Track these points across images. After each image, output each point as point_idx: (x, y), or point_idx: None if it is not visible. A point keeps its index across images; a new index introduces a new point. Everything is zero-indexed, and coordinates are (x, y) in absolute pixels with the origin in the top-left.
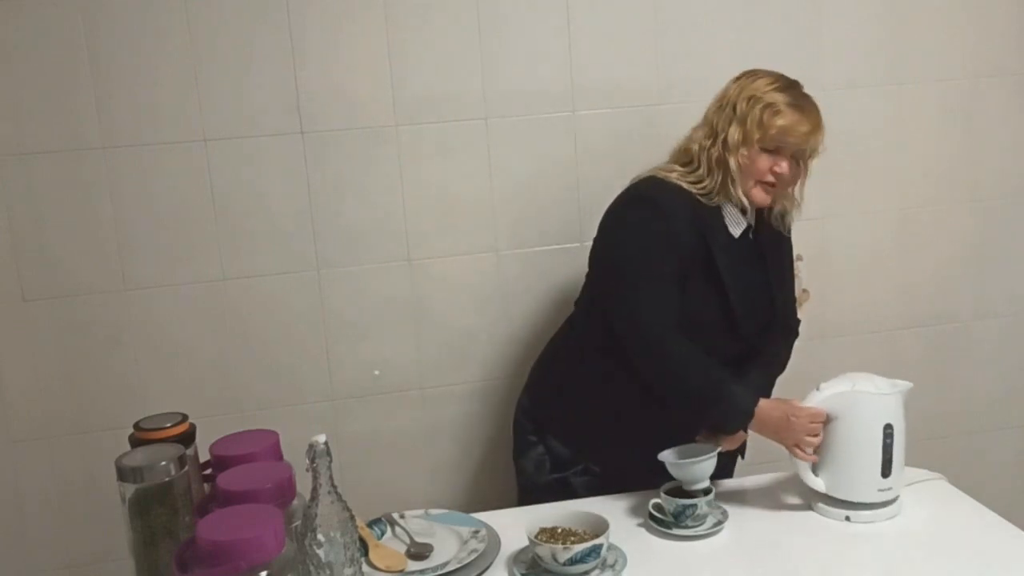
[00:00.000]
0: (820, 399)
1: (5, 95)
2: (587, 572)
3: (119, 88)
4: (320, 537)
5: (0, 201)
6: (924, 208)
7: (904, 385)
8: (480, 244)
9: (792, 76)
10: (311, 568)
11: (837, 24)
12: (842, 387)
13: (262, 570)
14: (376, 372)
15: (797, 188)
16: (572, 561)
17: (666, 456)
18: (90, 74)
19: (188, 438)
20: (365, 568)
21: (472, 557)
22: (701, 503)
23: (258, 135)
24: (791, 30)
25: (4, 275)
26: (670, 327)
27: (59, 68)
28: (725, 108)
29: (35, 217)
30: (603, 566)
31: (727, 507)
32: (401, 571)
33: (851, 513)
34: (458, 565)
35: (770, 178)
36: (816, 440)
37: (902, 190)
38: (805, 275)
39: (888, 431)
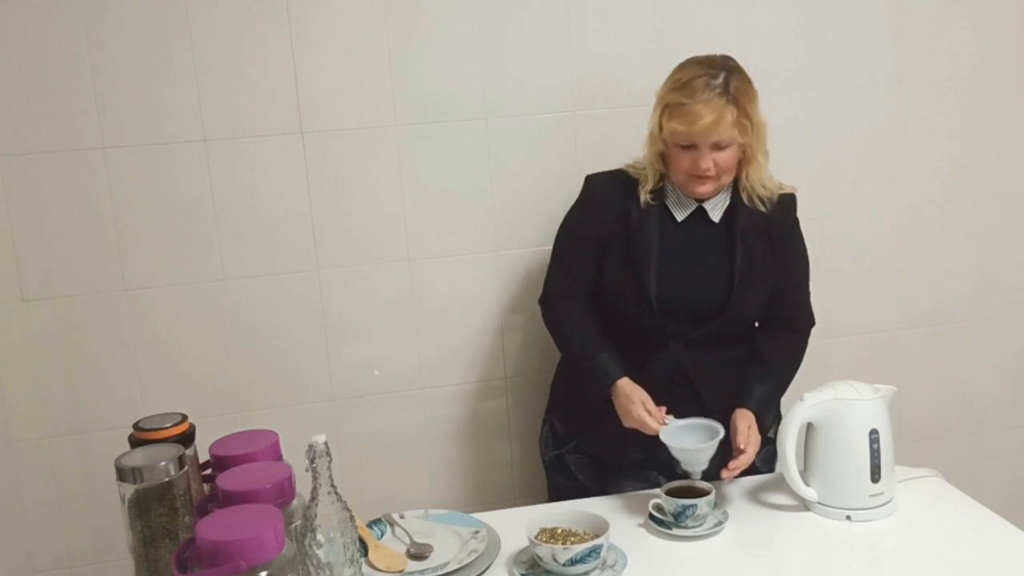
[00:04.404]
0: (804, 408)
1: (5, 95)
2: (587, 572)
3: (119, 88)
4: (320, 537)
5: (0, 201)
6: (925, 208)
7: (887, 390)
8: (480, 244)
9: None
10: (311, 568)
11: (838, 24)
12: (824, 396)
13: (262, 570)
14: (376, 372)
15: (754, 169)
16: (572, 561)
17: (667, 437)
18: (90, 74)
19: (188, 438)
20: (365, 568)
21: (472, 557)
22: (701, 503)
23: (258, 135)
24: (792, 29)
25: (4, 275)
26: (561, 296)
27: (59, 68)
28: (655, 107)
29: (35, 217)
30: (603, 566)
31: (727, 507)
32: (401, 571)
33: (851, 512)
34: (458, 565)
35: (698, 172)
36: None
37: (902, 190)
38: None
39: (874, 436)
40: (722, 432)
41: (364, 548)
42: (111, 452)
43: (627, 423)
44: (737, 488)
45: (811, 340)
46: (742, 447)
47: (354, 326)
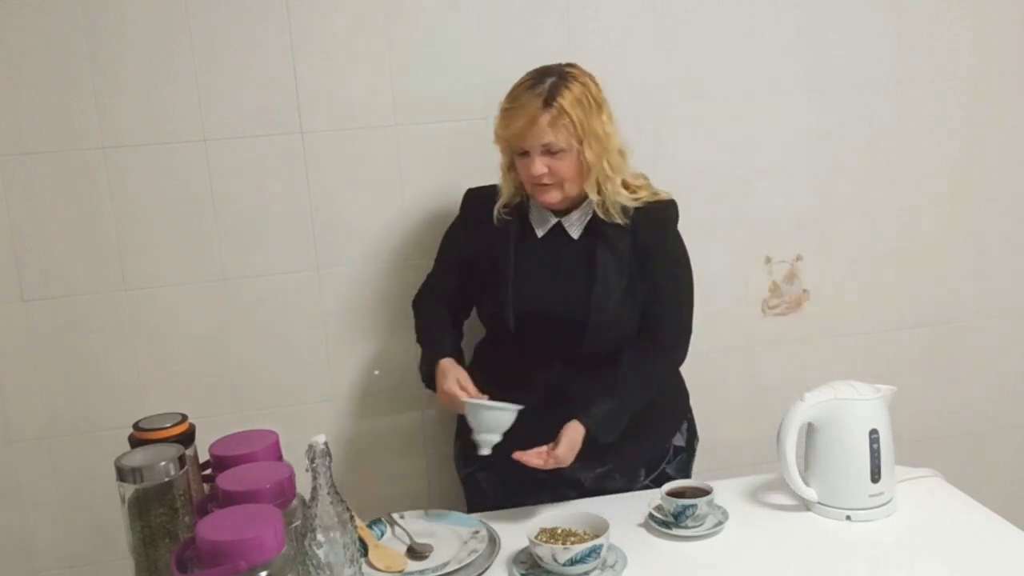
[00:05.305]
0: (804, 408)
1: (5, 95)
2: (587, 572)
3: (119, 88)
4: (320, 537)
5: (0, 201)
6: (925, 208)
7: (888, 389)
8: None
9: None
10: (311, 568)
11: (839, 24)
12: (825, 396)
13: (262, 570)
14: (376, 372)
15: (604, 181)
16: (572, 561)
17: (469, 407)
18: (90, 74)
19: (188, 438)
20: (365, 568)
21: (472, 557)
22: (701, 503)
23: (258, 135)
24: (793, 29)
25: (4, 275)
26: (423, 296)
27: (59, 68)
28: None
29: (35, 217)
30: (603, 566)
31: (727, 507)
32: (401, 571)
33: (851, 512)
34: (458, 565)
35: (533, 179)
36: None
37: (902, 190)
38: (805, 275)
39: (874, 436)
40: (517, 408)
41: (364, 548)
42: (111, 452)
43: (441, 400)
44: (737, 488)
45: (811, 340)
46: (547, 460)
47: (354, 326)
